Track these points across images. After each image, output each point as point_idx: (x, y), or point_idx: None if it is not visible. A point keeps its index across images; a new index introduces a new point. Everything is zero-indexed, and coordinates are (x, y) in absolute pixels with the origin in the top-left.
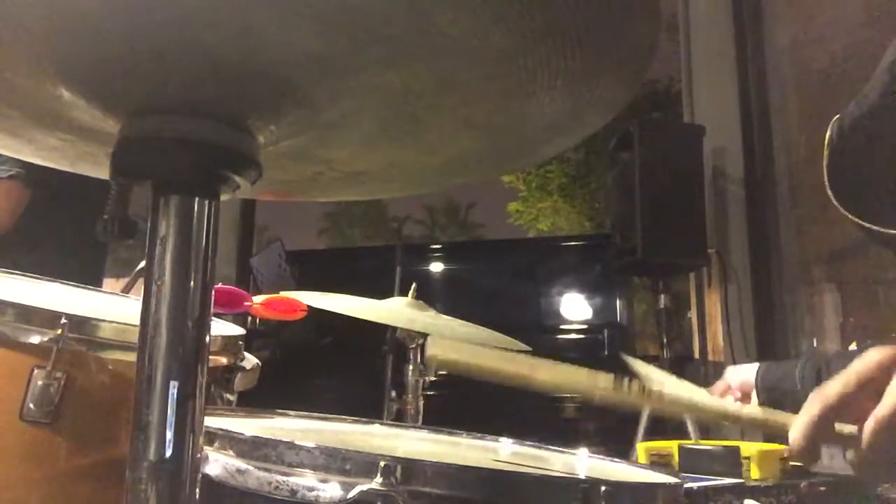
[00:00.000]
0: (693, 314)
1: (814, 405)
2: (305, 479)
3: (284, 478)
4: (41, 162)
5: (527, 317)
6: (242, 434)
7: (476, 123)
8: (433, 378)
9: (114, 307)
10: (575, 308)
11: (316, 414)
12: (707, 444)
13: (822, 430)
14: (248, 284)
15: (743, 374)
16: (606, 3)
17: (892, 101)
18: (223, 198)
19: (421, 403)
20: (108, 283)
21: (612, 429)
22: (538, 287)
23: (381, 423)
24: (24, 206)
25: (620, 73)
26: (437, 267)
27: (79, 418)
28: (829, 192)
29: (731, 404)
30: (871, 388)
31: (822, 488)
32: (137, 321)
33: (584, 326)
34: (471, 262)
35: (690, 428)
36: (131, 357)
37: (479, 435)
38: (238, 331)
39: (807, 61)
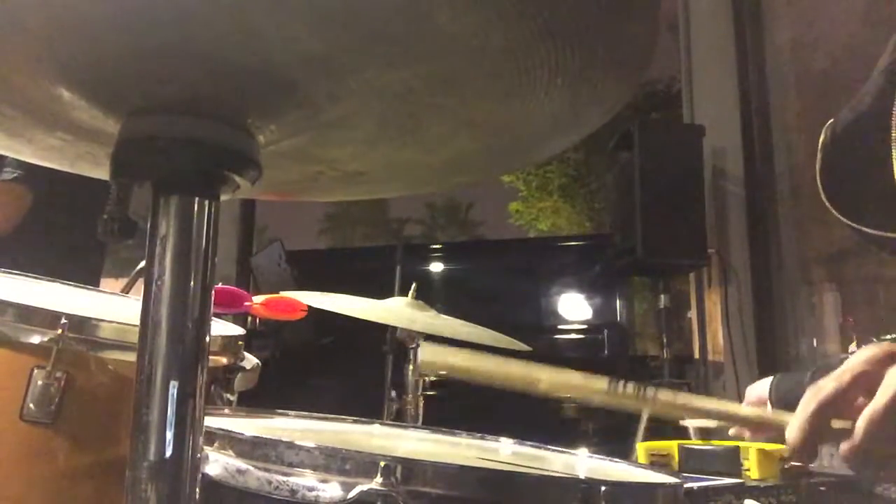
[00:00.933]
0: (693, 314)
1: (809, 403)
2: (305, 479)
3: (284, 478)
4: (41, 162)
5: (527, 317)
6: (242, 434)
7: (476, 123)
8: (433, 378)
9: (114, 307)
10: (575, 308)
11: (316, 414)
12: (707, 444)
13: (818, 427)
14: (248, 284)
15: (759, 389)
16: (606, 3)
17: (885, 105)
18: (223, 198)
19: (421, 403)
20: (108, 283)
21: (612, 429)
22: (538, 287)
23: (381, 423)
24: (26, 208)
25: (620, 73)
26: (437, 267)
27: (79, 418)
28: (823, 196)
29: (726, 404)
30: (864, 385)
31: (822, 488)
32: (137, 321)
33: (584, 326)
34: (471, 262)
35: (690, 428)
36: (131, 357)
37: (479, 435)
38: (238, 331)
39: (807, 61)
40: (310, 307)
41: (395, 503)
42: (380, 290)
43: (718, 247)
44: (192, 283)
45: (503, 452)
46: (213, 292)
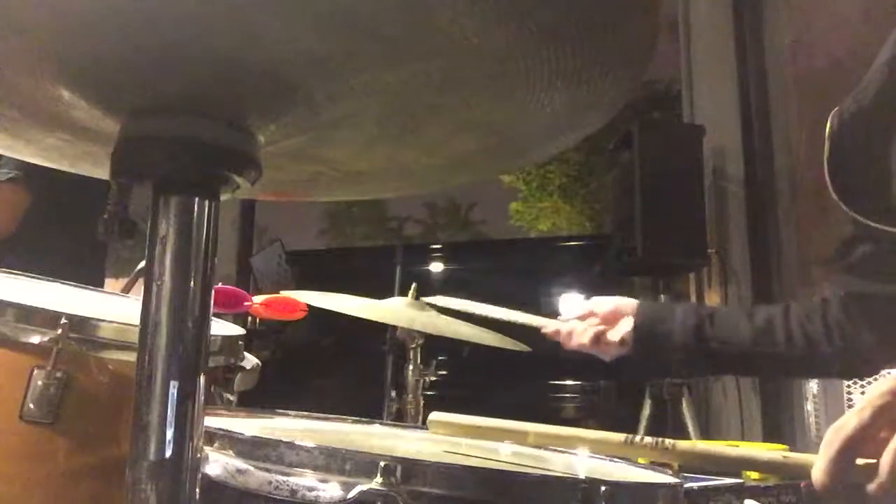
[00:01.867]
0: None
1: (832, 443)
2: (305, 479)
3: (284, 478)
4: (41, 162)
5: None
6: (242, 434)
7: (476, 123)
8: (433, 378)
9: (114, 307)
10: (575, 308)
11: (316, 414)
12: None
13: (844, 467)
14: (248, 284)
15: (612, 303)
16: (606, 3)
17: (887, 99)
18: (223, 198)
19: (421, 403)
20: (108, 283)
21: (612, 429)
22: (538, 287)
23: (381, 423)
24: (24, 208)
25: (620, 74)
26: (437, 267)
27: (79, 418)
28: (830, 187)
29: (747, 451)
30: (885, 418)
31: None
32: (137, 321)
33: None
34: (471, 262)
35: (690, 428)
36: (131, 357)
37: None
38: (238, 331)
39: (807, 61)
40: (310, 307)
41: (395, 503)
42: (380, 291)
43: (718, 247)
44: (192, 283)
45: (503, 452)
46: (213, 292)
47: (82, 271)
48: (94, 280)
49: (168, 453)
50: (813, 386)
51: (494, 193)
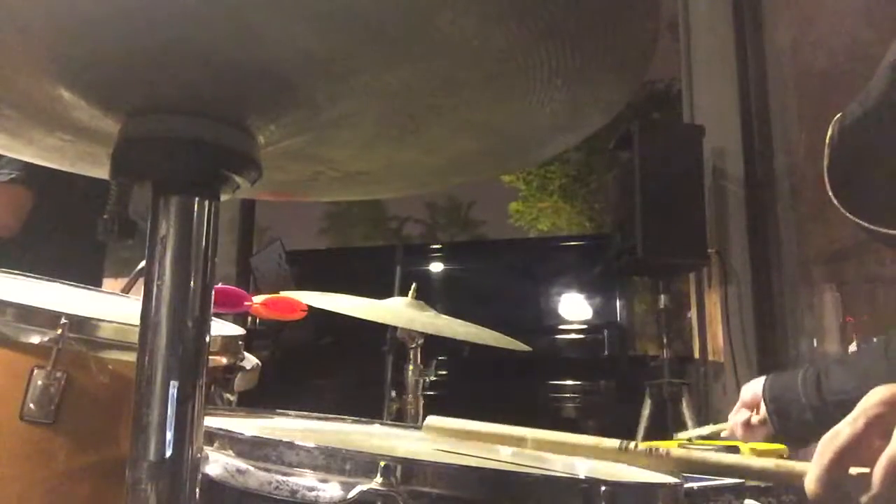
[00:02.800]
0: (693, 314)
1: (825, 452)
2: (305, 479)
3: (284, 478)
4: (41, 162)
5: (527, 317)
6: (242, 434)
7: (476, 123)
8: (433, 378)
9: (114, 307)
10: (575, 308)
11: (316, 414)
12: (707, 445)
13: (836, 476)
14: (248, 284)
15: (753, 388)
16: (606, 3)
17: (891, 102)
18: (223, 198)
19: (421, 403)
20: (108, 283)
21: (612, 429)
22: (538, 287)
23: (381, 423)
24: (28, 208)
25: (620, 73)
26: (437, 267)
27: (79, 418)
28: (829, 192)
29: (741, 458)
30: (879, 428)
31: None
32: (137, 321)
33: (584, 326)
34: (471, 262)
35: (690, 428)
36: (131, 357)
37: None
38: (238, 331)
39: (807, 61)
40: (310, 307)
41: (395, 503)
42: (380, 291)
43: (718, 247)
44: (192, 283)
45: (503, 452)
46: (213, 292)
47: (82, 271)
48: (93, 280)
49: (168, 453)
50: None
51: (494, 193)
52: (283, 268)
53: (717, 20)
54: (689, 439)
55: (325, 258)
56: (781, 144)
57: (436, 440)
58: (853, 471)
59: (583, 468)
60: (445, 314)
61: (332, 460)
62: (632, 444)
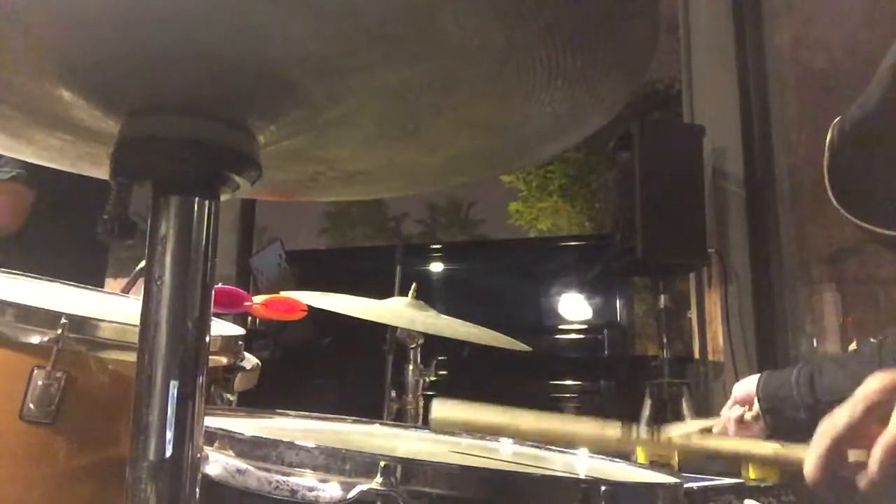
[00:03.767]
0: (693, 314)
1: (824, 437)
2: (305, 479)
3: (284, 478)
4: (41, 162)
5: (527, 317)
6: (242, 434)
7: (476, 123)
8: (433, 378)
9: (114, 307)
10: (575, 308)
11: (316, 414)
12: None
13: (834, 461)
14: (248, 284)
15: (746, 385)
16: (606, 3)
17: (891, 104)
18: (223, 198)
19: (421, 403)
20: (108, 283)
21: None
22: (538, 287)
23: (381, 423)
24: (28, 206)
25: (620, 73)
26: (437, 267)
27: (79, 418)
28: (830, 194)
29: (741, 443)
30: (877, 414)
31: None
32: (137, 321)
33: (584, 326)
34: (471, 262)
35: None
36: (131, 357)
37: (479, 435)
38: (238, 331)
39: (807, 61)
40: (310, 307)
41: (395, 503)
42: (380, 291)
43: (718, 247)
44: (192, 283)
45: (503, 452)
46: (213, 292)
47: (83, 271)
48: (94, 280)
49: (168, 453)
50: None
51: (494, 193)
52: (283, 268)
53: (717, 20)
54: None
55: (325, 258)
56: (781, 144)
57: (437, 437)
58: (852, 456)
59: (583, 468)
60: (445, 314)
61: (332, 460)
62: (634, 431)
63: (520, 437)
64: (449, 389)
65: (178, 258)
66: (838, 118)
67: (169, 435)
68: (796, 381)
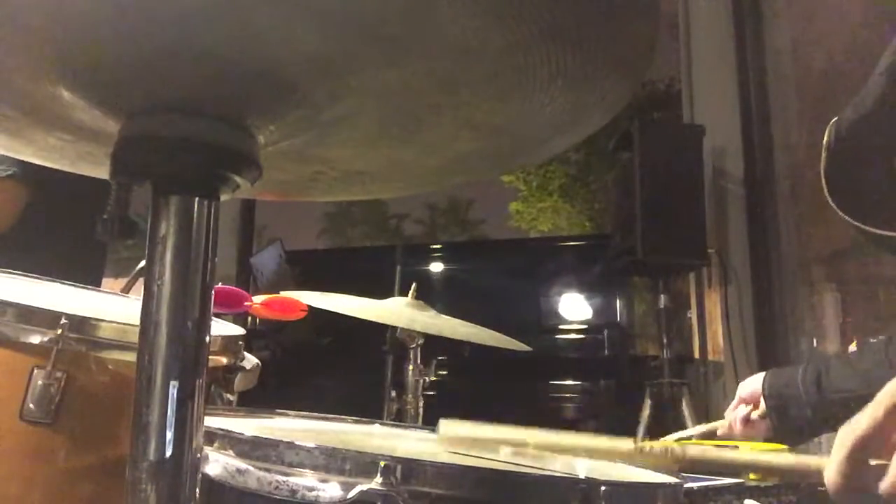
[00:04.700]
0: (693, 314)
1: (844, 443)
2: (305, 479)
3: (284, 478)
4: (41, 162)
5: (527, 317)
6: (242, 434)
7: (476, 123)
8: (433, 378)
9: (114, 307)
10: (575, 308)
11: (316, 414)
12: (707, 445)
13: (856, 468)
14: (248, 284)
15: (752, 384)
16: (606, 3)
17: (888, 104)
18: (223, 198)
19: (421, 403)
20: (108, 283)
21: (612, 429)
22: (538, 287)
23: (381, 423)
24: (22, 204)
25: (620, 73)
26: (437, 267)
27: (79, 418)
28: (827, 195)
29: (757, 455)
30: None
31: (822, 488)
32: (137, 321)
33: (584, 326)
34: (471, 262)
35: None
36: (131, 357)
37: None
38: (238, 331)
39: (807, 61)
40: (310, 307)
41: (395, 503)
42: (380, 291)
43: (718, 247)
44: (192, 283)
45: (503, 452)
46: (213, 292)
47: (82, 271)
48: (94, 280)
49: (168, 453)
50: None
51: (494, 193)
52: (283, 268)
53: (717, 20)
54: (686, 439)
55: (325, 258)
56: (781, 144)
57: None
58: (875, 462)
59: (582, 468)
60: (445, 314)
61: (332, 460)
62: (647, 446)
63: (530, 454)
64: (449, 389)
65: (178, 258)
66: (835, 118)
67: (169, 435)
68: (803, 380)
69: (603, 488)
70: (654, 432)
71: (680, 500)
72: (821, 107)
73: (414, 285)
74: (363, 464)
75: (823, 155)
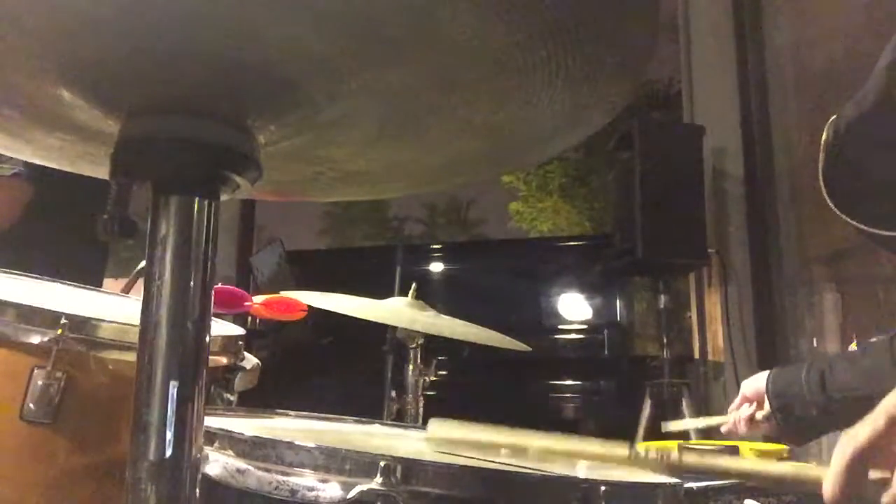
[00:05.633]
0: (693, 314)
1: (844, 453)
2: (305, 479)
3: (284, 478)
4: (41, 162)
5: (527, 317)
6: (242, 434)
7: (476, 123)
8: (433, 378)
9: (114, 307)
10: (575, 308)
11: (316, 414)
12: (707, 445)
13: (856, 479)
14: (248, 284)
15: (755, 383)
16: (606, 3)
17: (888, 103)
18: (223, 198)
19: (421, 403)
20: (108, 283)
21: (612, 429)
22: (538, 287)
23: (381, 423)
24: (26, 202)
25: (620, 73)
26: (437, 267)
27: (79, 418)
28: (825, 194)
29: (755, 462)
30: None
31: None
32: (137, 321)
33: (584, 326)
34: (471, 262)
35: (691, 430)
36: (131, 357)
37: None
38: (238, 331)
39: (807, 61)
40: (310, 307)
41: (395, 503)
42: (380, 291)
43: (718, 247)
44: (192, 283)
45: (503, 452)
46: (213, 292)
47: (83, 271)
48: (94, 280)
49: (168, 453)
50: None
51: (494, 193)
52: (283, 268)
53: (717, 20)
54: (684, 431)
55: (325, 258)
56: (781, 144)
57: (438, 448)
58: (876, 475)
59: (582, 468)
60: (445, 314)
61: (332, 460)
62: (642, 452)
63: (523, 458)
64: (449, 389)
65: (178, 258)
66: (834, 117)
67: (169, 435)
68: (806, 379)
69: (603, 488)
70: (654, 432)
71: (680, 500)
72: (821, 107)
73: (414, 285)
74: (363, 464)
75: (822, 154)
